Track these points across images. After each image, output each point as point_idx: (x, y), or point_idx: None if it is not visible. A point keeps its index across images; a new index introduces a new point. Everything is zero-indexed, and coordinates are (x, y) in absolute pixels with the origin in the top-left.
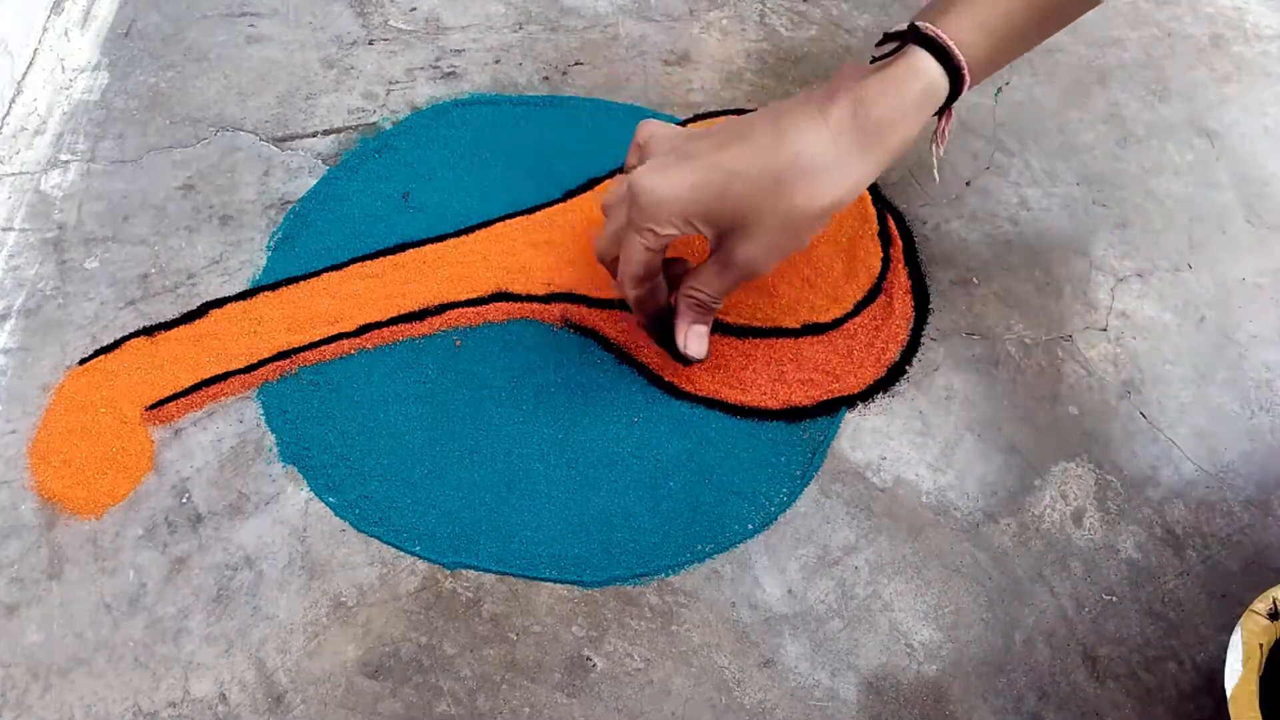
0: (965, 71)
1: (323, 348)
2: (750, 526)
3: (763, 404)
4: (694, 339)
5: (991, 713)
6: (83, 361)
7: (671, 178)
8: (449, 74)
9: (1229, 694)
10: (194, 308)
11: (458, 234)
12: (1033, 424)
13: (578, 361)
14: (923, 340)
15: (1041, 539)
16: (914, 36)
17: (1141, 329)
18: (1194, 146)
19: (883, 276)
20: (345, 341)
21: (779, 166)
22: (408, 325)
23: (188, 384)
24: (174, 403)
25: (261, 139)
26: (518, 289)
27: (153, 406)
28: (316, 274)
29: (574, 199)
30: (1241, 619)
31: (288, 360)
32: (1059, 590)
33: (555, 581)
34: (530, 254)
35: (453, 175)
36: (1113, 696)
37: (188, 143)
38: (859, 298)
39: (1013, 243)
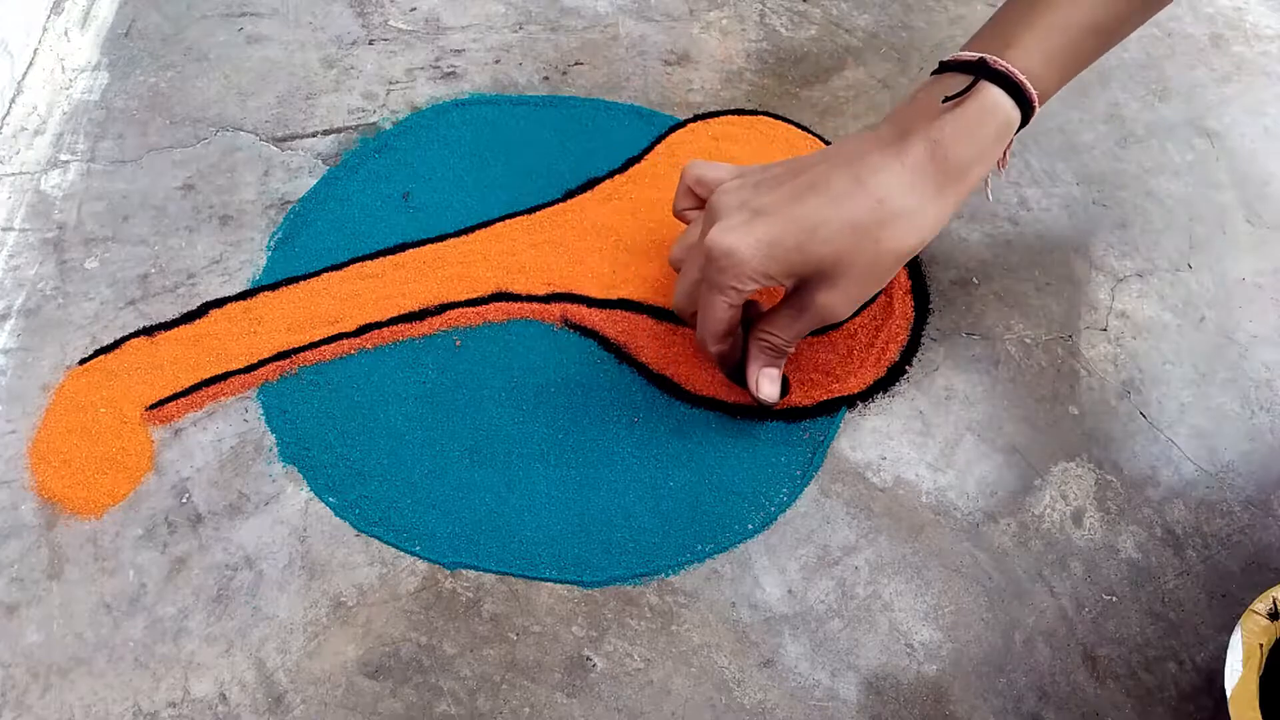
0: (1036, 105)
1: (323, 348)
2: (750, 526)
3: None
4: (765, 382)
5: (991, 713)
6: (83, 361)
7: (749, 236)
8: (449, 74)
9: (1229, 694)
10: (194, 308)
11: (458, 234)
12: (1033, 424)
13: (578, 361)
14: (923, 340)
15: (1041, 539)
16: (985, 72)
17: (1141, 329)
18: (1194, 146)
19: None
20: (345, 341)
21: (861, 214)
22: (408, 325)
23: (188, 384)
24: (174, 403)
25: (261, 139)
26: (518, 289)
27: (153, 406)
28: (316, 274)
29: (574, 199)
30: (1241, 619)
31: (288, 360)
32: (1059, 590)
33: (555, 581)
34: (530, 254)
35: (453, 175)
36: (1113, 696)
37: (188, 143)
38: None
39: (1013, 243)
